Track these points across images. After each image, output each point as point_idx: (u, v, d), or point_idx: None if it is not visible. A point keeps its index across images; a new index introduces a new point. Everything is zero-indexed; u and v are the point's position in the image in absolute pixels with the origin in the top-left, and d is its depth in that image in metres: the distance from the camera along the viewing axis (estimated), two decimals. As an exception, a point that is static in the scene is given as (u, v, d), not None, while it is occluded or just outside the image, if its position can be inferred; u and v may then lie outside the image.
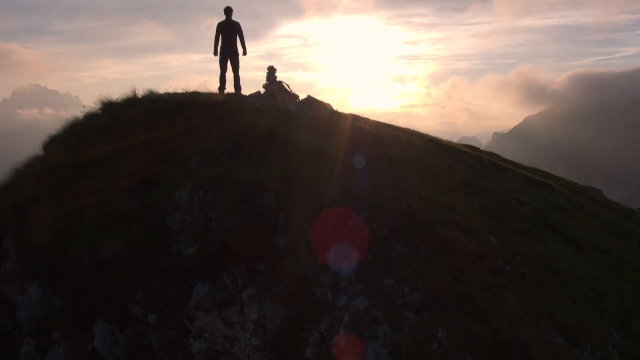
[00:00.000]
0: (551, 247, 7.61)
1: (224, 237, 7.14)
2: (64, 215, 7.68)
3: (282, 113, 10.08)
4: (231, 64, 13.81)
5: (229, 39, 13.62)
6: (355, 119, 11.67)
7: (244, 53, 13.82)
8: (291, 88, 11.87)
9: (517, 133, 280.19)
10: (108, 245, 7.39)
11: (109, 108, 10.34)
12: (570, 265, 7.18)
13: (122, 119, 8.93)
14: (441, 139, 12.45)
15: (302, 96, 11.62)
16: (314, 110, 11.03)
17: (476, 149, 15.70)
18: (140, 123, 8.73)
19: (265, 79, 11.71)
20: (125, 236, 7.49)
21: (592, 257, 7.99)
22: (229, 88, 14.00)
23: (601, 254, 8.23)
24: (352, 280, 6.53)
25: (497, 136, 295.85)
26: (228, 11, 13.58)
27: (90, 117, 10.27)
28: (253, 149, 8.14)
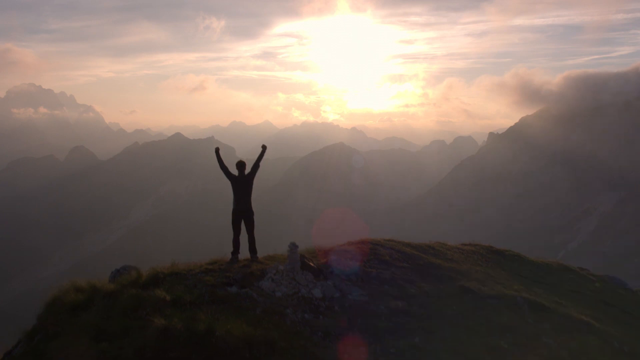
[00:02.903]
0: None
1: None
2: None
3: (306, 305, 9.30)
4: (245, 225, 12.63)
5: (242, 197, 12.47)
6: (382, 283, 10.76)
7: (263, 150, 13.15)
8: (313, 261, 10.95)
9: (513, 133, 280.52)
10: None
11: (109, 310, 8.80)
12: None
13: (130, 347, 7.80)
14: (471, 287, 11.39)
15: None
16: (341, 284, 10.16)
17: (500, 253, 15.50)
18: (151, 354, 7.73)
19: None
20: None
21: None
22: (244, 251, 12.72)
23: None
24: None
25: (493, 136, 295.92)
26: (242, 167, 12.58)
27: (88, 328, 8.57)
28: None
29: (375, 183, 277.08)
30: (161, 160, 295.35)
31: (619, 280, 15.91)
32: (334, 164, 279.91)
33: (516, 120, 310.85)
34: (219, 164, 12.69)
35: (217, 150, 13.09)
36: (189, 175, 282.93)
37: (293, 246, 10.51)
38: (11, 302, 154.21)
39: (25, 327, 9.63)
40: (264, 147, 13.18)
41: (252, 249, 12.63)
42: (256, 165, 12.70)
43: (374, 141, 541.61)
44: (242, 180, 12.46)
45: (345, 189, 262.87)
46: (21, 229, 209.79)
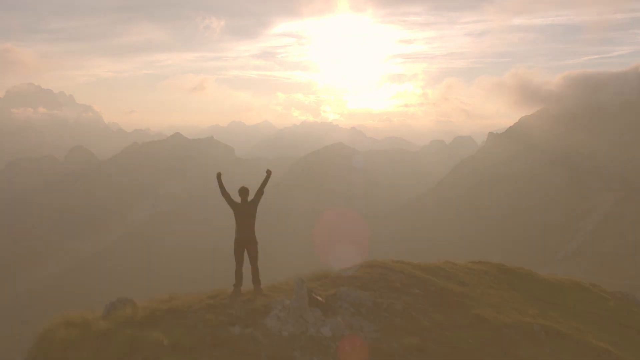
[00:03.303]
0: None
1: None
2: None
3: (315, 346, 8.58)
4: (248, 256, 11.76)
5: (245, 226, 11.62)
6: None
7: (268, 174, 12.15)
8: (320, 295, 10.21)
9: (513, 133, 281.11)
10: None
11: (102, 353, 8.04)
12: None
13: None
14: (486, 316, 10.78)
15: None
16: (351, 319, 9.59)
17: (511, 272, 14.94)
18: None
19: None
20: None
21: None
22: (246, 282, 11.77)
23: None
24: None
25: (493, 136, 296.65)
26: (244, 193, 11.72)
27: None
28: None
29: (374, 183, 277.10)
30: (160, 160, 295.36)
31: (632, 297, 15.56)
32: (334, 164, 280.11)
33: (516, 120, 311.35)
34: (221, 191, 11.84)
35: (218, 176, 12.14)
36: (188, 174, 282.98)
37: (300, 282, 9.84)
38: (11, 302, 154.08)
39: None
40: (268, 173, 12.33)
41: (256, 280, 11.80)
42: (260, 192, 11.98)
43: (373, 141, 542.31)
44: (244, 208, 11.69)
45: (344, 189, 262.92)
46: (21, 229, 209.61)
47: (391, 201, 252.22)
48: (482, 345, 9.54)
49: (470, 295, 11.89)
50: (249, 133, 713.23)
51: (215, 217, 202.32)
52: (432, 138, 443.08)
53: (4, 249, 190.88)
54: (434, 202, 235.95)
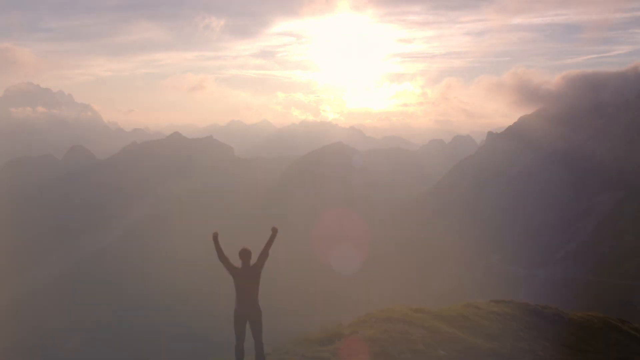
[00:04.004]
0: None
1: None
2: None
3: None
4: (251, 329, 10.13)
5: (248, 294, 10.01)
6: None
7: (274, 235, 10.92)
8: None
9: (512, 133, 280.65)
10: None
11: None
12: None
13: None
14: None
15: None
16: None
17: (538, 313, 14.44)
18: None
19: None
20: None
21: None
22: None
23: None
24: None
25: (492, 136, 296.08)
26: (246, 256, 10.35)
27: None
28: None
29: (374, 182, 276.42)
30: (159, 160, 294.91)
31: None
32: (333, 164, 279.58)
33: (515, 119, 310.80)
34: (217, 254, 10.25)
35: (215, 237, 10.59)
36: (187, 174, 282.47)
37: None
38: (10, 303, 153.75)
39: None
40: (274, 231, 11.14)
41: (260, 355, 10.22)
42: (264, 254, 10.63)
43: (372, 140, 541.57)
44: (246, 273, 10.17)
45: (344, 189, 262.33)
46: (19, 229, 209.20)
47: (390, 200, 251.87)
48: None
49: (501, 353, 10.98)
50: (248, 132, 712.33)
51: (215, 217, 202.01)
52: (431, 137, 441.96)
53: (3, 248, 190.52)
54: (433, 201, 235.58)
